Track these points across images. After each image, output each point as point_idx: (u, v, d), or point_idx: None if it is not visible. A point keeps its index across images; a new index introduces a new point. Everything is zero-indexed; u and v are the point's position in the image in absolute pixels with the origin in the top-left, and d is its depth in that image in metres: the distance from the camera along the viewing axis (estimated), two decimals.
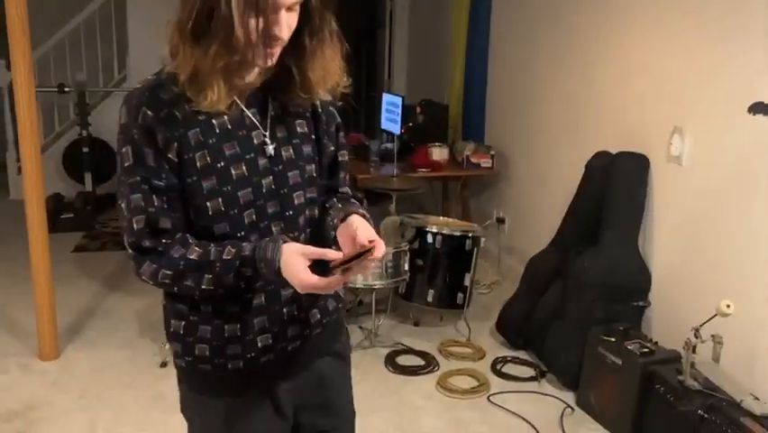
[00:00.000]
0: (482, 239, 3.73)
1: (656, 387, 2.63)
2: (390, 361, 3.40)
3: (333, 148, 1.49)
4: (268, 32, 1.21)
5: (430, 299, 3.66)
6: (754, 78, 2.59)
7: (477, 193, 5.09)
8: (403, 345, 3.58)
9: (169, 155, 1.26)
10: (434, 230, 3.63)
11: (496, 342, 3.66)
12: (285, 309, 1.40)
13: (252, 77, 1.32)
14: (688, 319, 2.68)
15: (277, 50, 1.26)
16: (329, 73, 1.34)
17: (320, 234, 1.43)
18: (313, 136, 1.43)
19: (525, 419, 2.93)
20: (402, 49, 6.83)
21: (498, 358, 3.44)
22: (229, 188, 1.29)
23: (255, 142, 1.34)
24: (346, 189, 1.55)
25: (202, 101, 1.24)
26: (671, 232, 3.09)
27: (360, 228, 1.32)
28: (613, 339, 2.87)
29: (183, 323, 1.38)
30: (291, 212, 1.38)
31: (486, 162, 4.65)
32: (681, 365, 2.58)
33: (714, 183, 2.82)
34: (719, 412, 2.34)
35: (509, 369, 3.37)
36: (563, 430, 2.87)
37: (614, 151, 3.33)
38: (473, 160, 4.65)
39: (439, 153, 4.75)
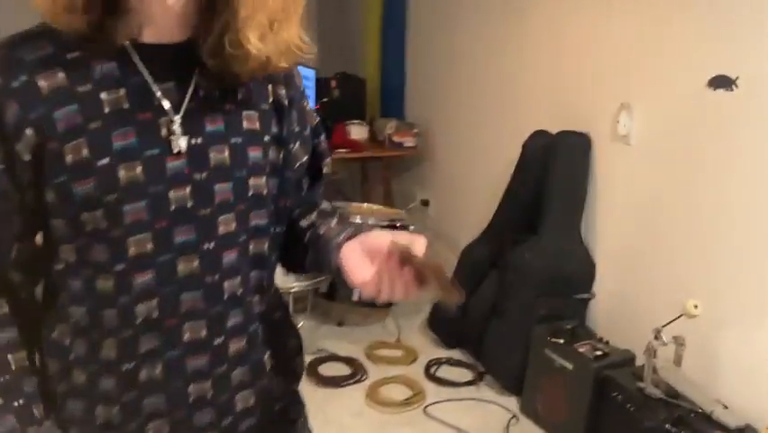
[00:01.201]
0: (410, 228, 3.38)
1: (612, 395, 2.37)
2: (312, 371, 3.00)
3: (306, 157, 1.06)
4: None
5: (356, 297, 3.28)
6: (711, 48, 2.32)
7: (398, 173, 4.73)
8: (326, 350, 3.20)
9: (17, 146, 0.82)
10: (359, 220, 3.24)
11: (428, 340, 3.34)
12: (191, 387, 0.94)
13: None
14: (636, 312, 2.46)
15: None
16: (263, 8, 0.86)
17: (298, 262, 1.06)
18: (267, 138, 0.97)
19: None
20: (310, 13, 6.34)
21: (431, 361, 3.12)
22: (114, 196, 0.84)
23: (164, 132, 0.88)
24: (326, 206, 1.13)
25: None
26: (617, 218, 2.83)
27: (381, 237, 0.93)
28: (561, 341, 2.60)
29: (57, 388, 0.94)
30: (212, 245, 0.91)
31: (410, 142, 4.28)
32: (638, 369, 2.34)
33: (667, 165, 2.56)
34: (688, 426, 2.09)
35: (445, 372, 3.06)
36: None
37: (554, 130, 3.02)
38: (396, 139, 4.27)
39: (358, 132, 4.34)
